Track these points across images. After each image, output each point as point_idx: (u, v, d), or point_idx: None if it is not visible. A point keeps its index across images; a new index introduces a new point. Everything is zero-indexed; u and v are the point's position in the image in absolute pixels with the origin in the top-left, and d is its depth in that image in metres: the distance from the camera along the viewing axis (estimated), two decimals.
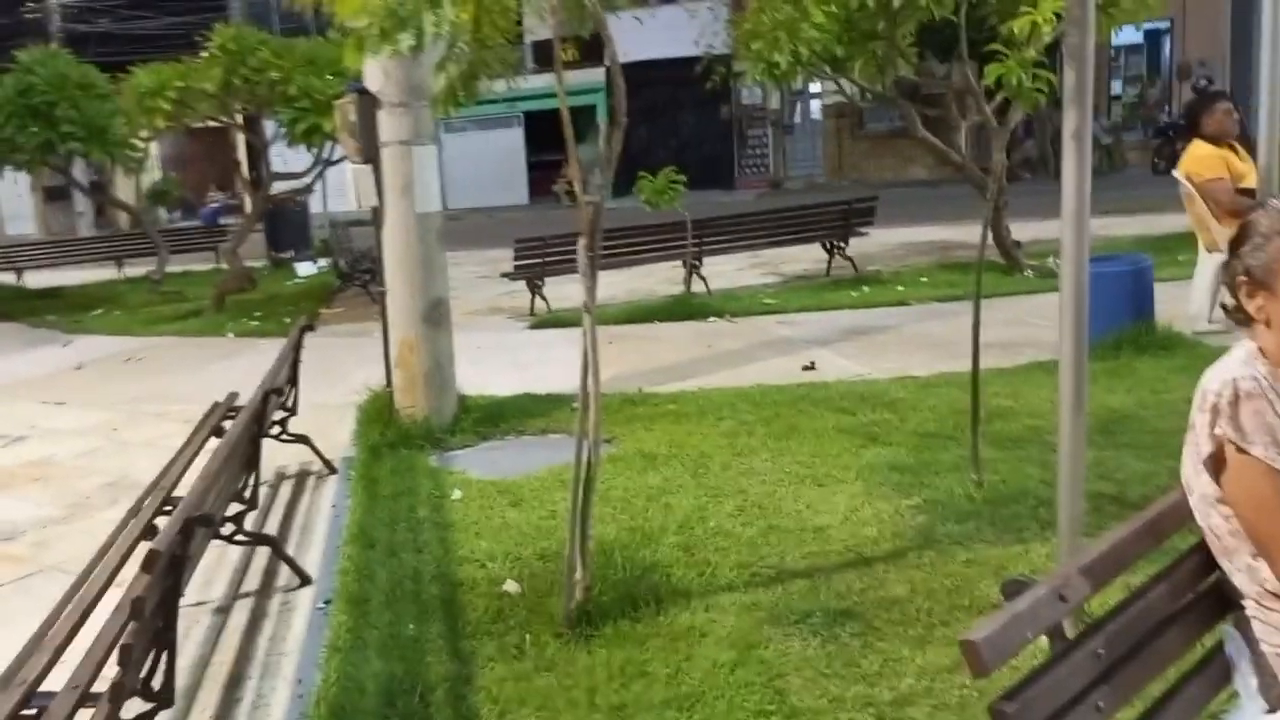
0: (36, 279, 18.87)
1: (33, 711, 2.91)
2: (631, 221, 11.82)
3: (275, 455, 6.58)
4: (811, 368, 8.49)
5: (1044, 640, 2.13)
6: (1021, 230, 12.91)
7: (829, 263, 13.61)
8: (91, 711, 2.89)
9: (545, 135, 30.38)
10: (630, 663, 3.85)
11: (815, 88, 28.56)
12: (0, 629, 4.66)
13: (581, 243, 4.12)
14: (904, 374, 8.01)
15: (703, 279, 12.50)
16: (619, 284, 12.83)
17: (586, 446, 4.17)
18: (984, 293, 5.58)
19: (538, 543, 5.08)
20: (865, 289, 12.26)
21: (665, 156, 14.49)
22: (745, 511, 5.33)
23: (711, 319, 11.06)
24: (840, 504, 5.34)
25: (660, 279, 13.30)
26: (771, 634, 4.00)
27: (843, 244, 13.46)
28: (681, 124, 30.37)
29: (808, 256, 14.30)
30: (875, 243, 14.62)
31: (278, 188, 15.47)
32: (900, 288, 12.12)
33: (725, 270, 13.59)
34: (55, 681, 3.01)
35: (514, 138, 33.18)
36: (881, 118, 29.20)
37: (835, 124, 30.94)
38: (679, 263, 12.59)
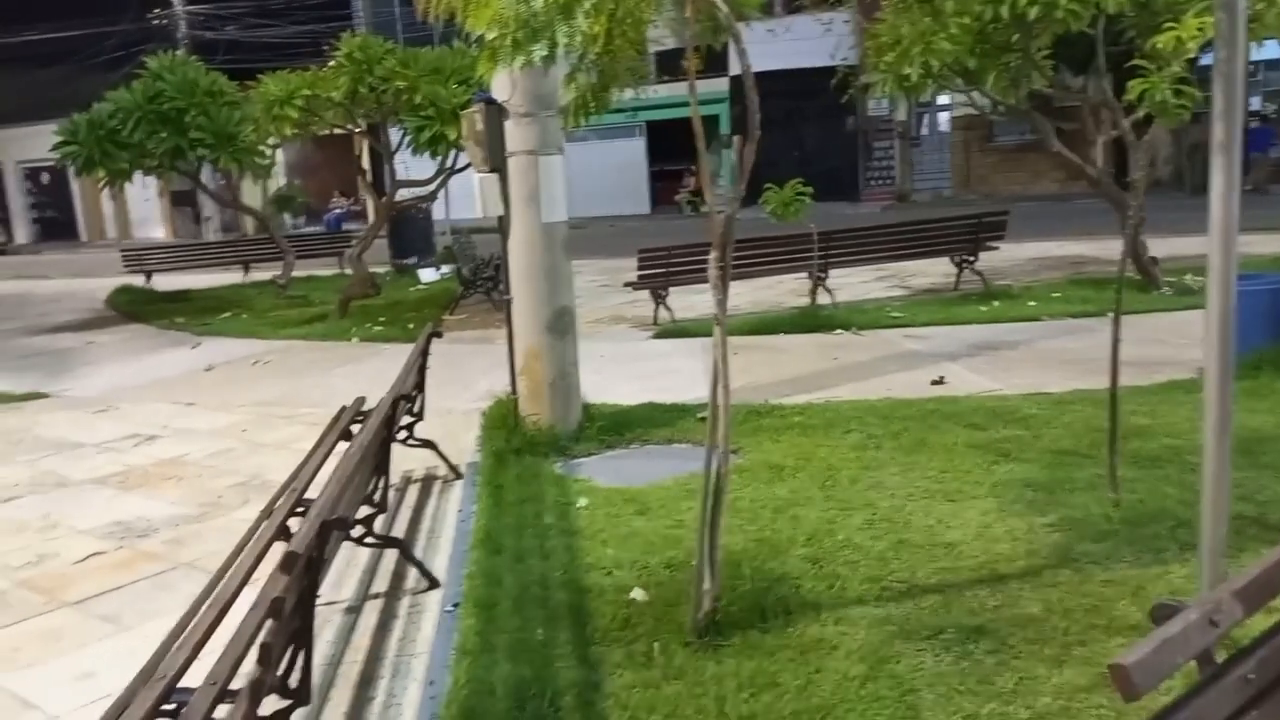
0: (165, 282, 19.65)
1: (172, 706, 3.03)
2: (757, 233, 11.86)
3: (402, 460, 6.80)
4: (941, 382, 8.45)
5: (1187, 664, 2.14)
6: (1157, 246, 12.61)
7: (957, 277, 13.48)
8: (229, 707, 3.05)
9: (667, 145, 30.68)
10: (760, 673, 3.91)
11: (944, 99, 28.27)
12: (140, 623, 4.96)
13: (713, 255, 4.20)
14: (1037, 390, 7.92)
15: (828, 291, 12.49)
16: (743, 295, 12.90)
17: (716, 457, 4.24)
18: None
19: (665, 552, 5.18)
20: (995, 304, 12.11)
21: (789, 168, 14.42)
22: (874, 525, 5.36)
23: (837, 331, 11.06)
24: (972, 520, 5.33)
25: (785, 291, 13.34)
26: (903, 649, 4.04)
27: (972, 258, 13.31)
28: (806, 135, 30.28)
29: (935, 270, 14.18)
30: (1005, 257, 14.42)
31: (401, 195, 15.86)
32: (1032, 303, 11.95)
33: (851, 283, 13.56)
34: (194, 677, 3.14)
35: (636, 148, 33.53)
36: (1011, 130, 28.80)
37: (964, 136, 30.57)
38: (804, 275, 12.61)
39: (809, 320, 11.59)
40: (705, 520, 4.24)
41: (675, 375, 9.26)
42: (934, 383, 8.46)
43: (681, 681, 3.92)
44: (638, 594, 4.70)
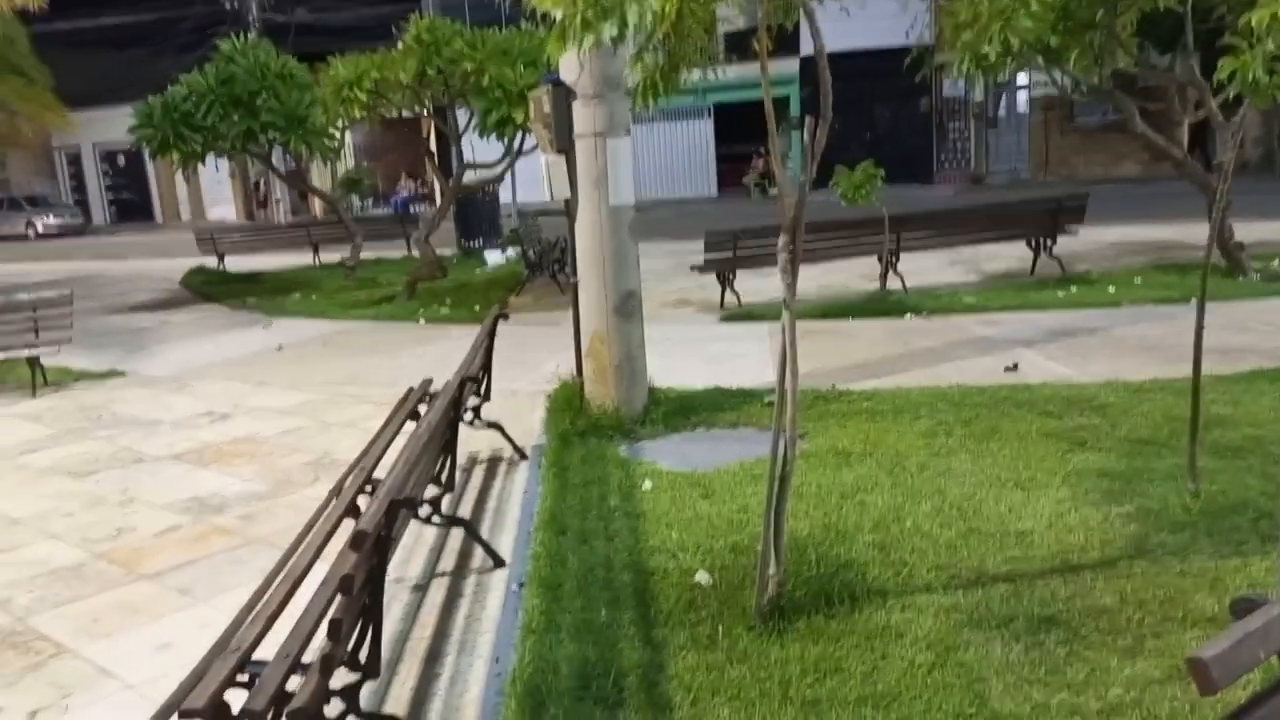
0: (237, 263, 20.01)
1: (246, 678, 3.13)
2: (826, 216, 11.79)
3: (469, 441, 6.89)
4: (1014, 369, 8.36)
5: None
6: (1244, 231, 12.32)
7: (1034, 261, 13.28)
8: (301, 680, 3.14)
9: (735, 127, 30.54)
10: (824, 658, 3.93)
11: (1023, 79, 27.82)
12: (213, 596, 5.10)
13: (782, 238, 4.19)
14: (1114, 378, 7.81)
15: (899, 276, 12.39)
16: (811, 279, 12.83)
17: (783, 441, 4.24)
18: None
19: (729, 536, 5.20)
20: (1073, 289, 11.93)
21: (861, 150, 14.33)
22: (943, 513, 5.34)
23: (908, 316, 10.98)
24: (1045, 509, 5.29)
25: (854, 275, 13.25)
26: (971, 637, 4.03)
27: (1050, 242, 13.11)
28: (878, 117, 30.03)
29: (1011, 255, 13.99)
30: (1084, 242, 14.19)
31: (468, 177, 15.97)
32: (1111, 288, 11.75)
33: (923, 267, 13.42)
34: (267, 650, 3.24)
35: (703, 130, 33.44)
36: (1092, 111, 28.29)
37: (1043, 117, 30.09)
38: (874, 258, 12.51)
39: (879, 305, 11.52)
40: (771, 505, 4.25)
41: (742, 359, 9.26)
42: (1007, 369, 8.37)
43: (745, 665, 3.95)
44: (702, 577, 4.72)
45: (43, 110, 13.81)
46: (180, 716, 2.90)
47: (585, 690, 3.87)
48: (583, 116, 7.21)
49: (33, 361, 10.49)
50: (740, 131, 29.19)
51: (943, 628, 4.12)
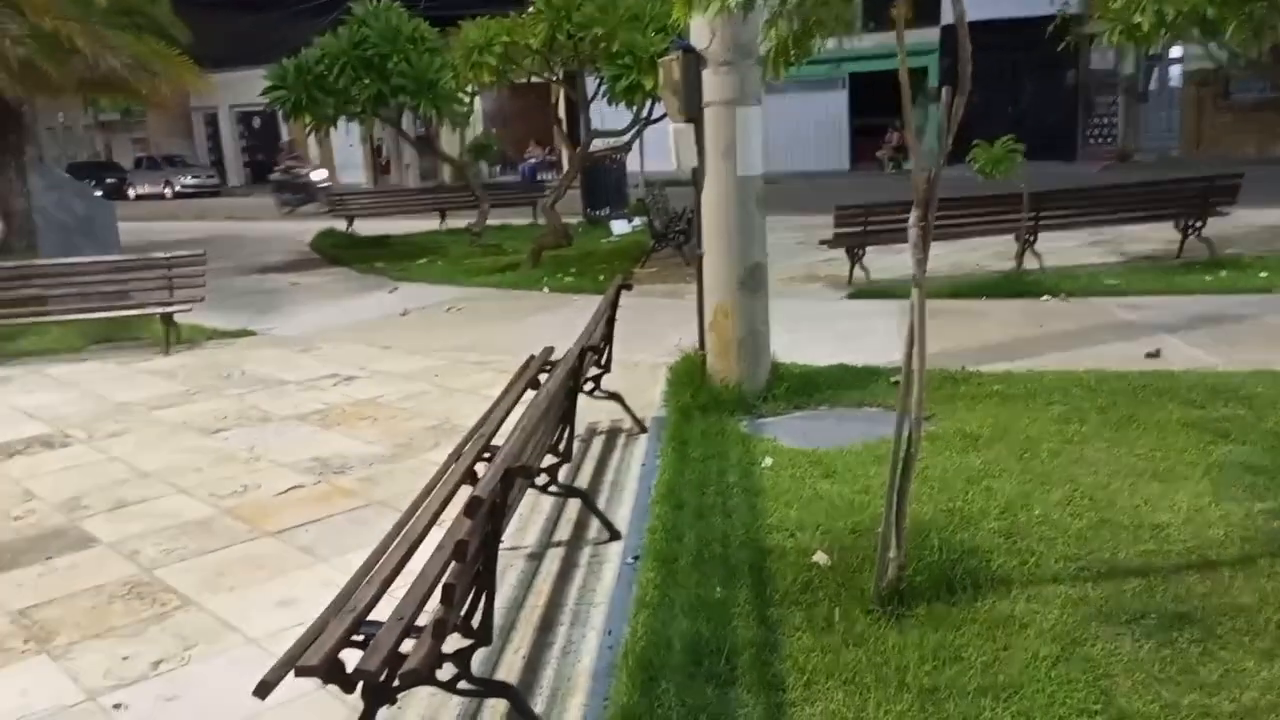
0: (365, 227, 20.46)
1: (361, 638, 3.22)
2: (962, 191, 11.55)
3: (588, 411, 6.96)
4: (1156, 355, 8.10)
5: None
6: None
7: (1181, 244, 12.81)
8: (414, 643, 3.22)
9: (870, 99, 30.01)
10: (944, 646, 3.88)
11: (1176, 52, 26.78)
12: (334, 555, 5.26)
13: (914, 213, 4.12)
14: (1263, 367, 7.50)
15: (1037, 255, 12.07)
16: (944, 257, 12.62)
17: (908, 422, 4.19)
18: None
19: (850, 517, 5.17)
20: (1222, 273, 11.48)
21: (1002, 124, 14.00)
22: (1074, 502, 5.22)
23: (1044, 298, 10.70)
24: (1183, 502, 5.13)
25: (989, 253, 12.97)
26: (1099, 632, 3.94)
27: (1200, 223, 12.63)
28: (1020, 89, 29.21)
29: (1157, 236, 13.52)
30: (1236, 224, 13.61)
31: (596, 145, 16.03)
32: (1264, 273, 11.27)
33: (1063, 247, 13.05)
34: (382, 611, 3.34)
35: (837, 101, 32.99)
36: (1249, 87, 27.10)
37: (1196, 92, 28.90)
38: (1011, 237, 12.22)
39: (1014, 285, 11.25)
40: (893, 487, 4.21)
41: (869, 337, 9.15)
42: (1149, 355, 8.11)
43: (862, 649, 3.92)
44: (820, 558, 4.71)
45: (181, 71, 14.24)
46: (296, 673, 3.01)
47: (697, 667, 3.89)
48: (712, 84, 7.17)
49: (167, 319, 10.91)
50: (876, 103, 28.66)
51: (1069, 620, 4.04)
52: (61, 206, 15.41)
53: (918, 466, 4.36)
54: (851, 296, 11.54)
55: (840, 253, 12.23)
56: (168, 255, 11.47)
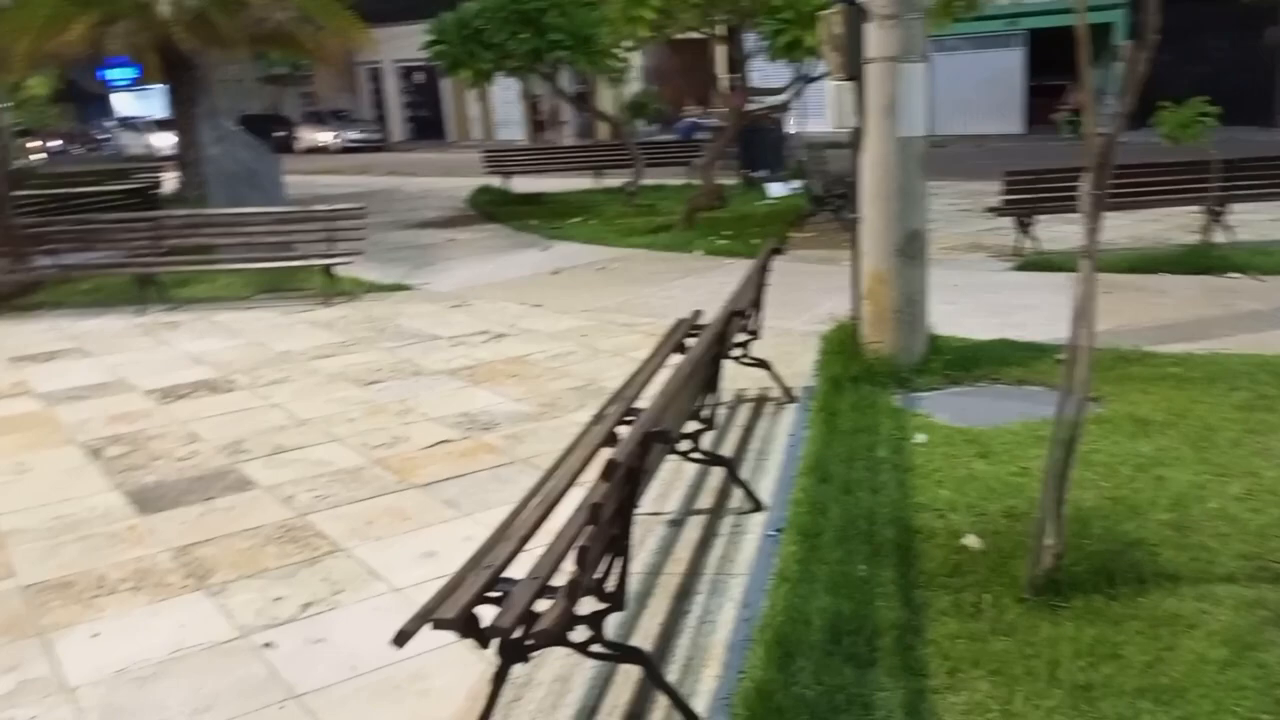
0: (521, 184, 20.70)
1: (497, 594, 3.26)
2: (1144, 157, 11.04)
3: (735, 378, 6.90)
4: None
5: None
6: None
7: None
8: (549, 603, 3.23)
9: (1050, 57, 28.85)
10: (1101, 642, 3.72)
11: None
12: (476, 511, 5.36)
13: (1087, 178, 3.92)
14: None
15: (1226, 228, 11.45)
16: (1122, 228, 12.13)
17: (1072, 402, 4.01)
18: None
19: (1005, 499, 5.00)
20: None
21: (1190, 86, 13.28)
22: (1255, 496, 4.94)
23: (1232, 275, 10.14)
24: None
25: (1172, 225, 12.40)
26: (1276, 637, 3.71)
27: None
28: (1211, 49, 27.77)
29: None
30: None
31: (754, 104, 15.83)
32: None
33: (1257, 220, 12.33)
34: (518, 569, 3.37)
35: (1013, 59, 31.90)
36: None
37: None
38: (1197, 208, 11.62)
39: (1198, 259, 10.68)
40: (1054, 470, 4.05)
41: (1035, 311, 8.83)
42: None
43: (1011, 639, 3.79)
44: (971, 540, 4.57)
45: (345, 25, 14.57)
46: (434, 625, 3.06)
47: (836, 645, 3.82)
48: (875, 39, 6.95)
49: (327, 271, 11.24)
50: (1057, 62, 27.41)
51: (1243, 623, 3.82)
52: (229, 157, 15.99)
53: (1081, 450, 4.18)
54: (1018, 268, 11.15)
55: (1008, 222, 11.84)
56: (329, 208, 11.80)
